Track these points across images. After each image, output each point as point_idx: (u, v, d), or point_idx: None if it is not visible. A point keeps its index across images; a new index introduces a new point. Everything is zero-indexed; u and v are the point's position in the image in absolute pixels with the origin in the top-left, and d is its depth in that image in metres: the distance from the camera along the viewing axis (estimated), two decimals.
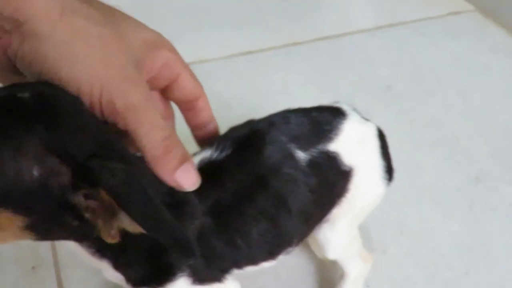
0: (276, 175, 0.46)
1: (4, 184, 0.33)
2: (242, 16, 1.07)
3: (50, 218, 0.35)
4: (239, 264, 0.47)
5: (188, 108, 0.47)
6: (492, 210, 0.70)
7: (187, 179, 0.38)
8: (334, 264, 0.58)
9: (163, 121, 0.38)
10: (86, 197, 0.34)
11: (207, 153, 0.46)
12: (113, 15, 0.40)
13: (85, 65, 0.35)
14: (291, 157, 0.46)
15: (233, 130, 0.49)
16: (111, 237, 0.36)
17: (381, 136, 0.53)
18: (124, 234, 0.37)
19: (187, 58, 0.95)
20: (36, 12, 0.34)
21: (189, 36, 0.99)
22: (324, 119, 0.50)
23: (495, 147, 0.78)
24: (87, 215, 0.35)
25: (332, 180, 0.49)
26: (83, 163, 0.33)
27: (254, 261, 0.48)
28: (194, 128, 0.49)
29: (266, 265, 0.49)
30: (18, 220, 0.34)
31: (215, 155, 0.46)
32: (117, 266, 0.42)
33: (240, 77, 0.91)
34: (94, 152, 0.34)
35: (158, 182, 0.38)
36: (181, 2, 1.10)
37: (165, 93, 0.46)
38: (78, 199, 0.34)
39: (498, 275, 0.63)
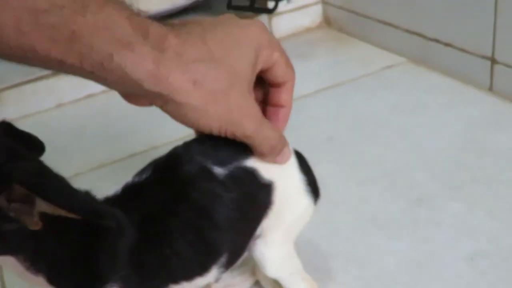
0: (194, 188, 0.49)
1: None
2: None
3: None
4: (173, 277, 0.48)
5: (273, 87, 0.53)
6: (436, 224, 0.72)
7: (286, 159, 0.52)
8: None
9: (270, 133, 0.50)
10: (9, 198, 0.39)
11: (129, 180, 0.50)
12: (222, 45, 0.47)
13: (215, 116, 0.46)
14: (209, 172, 0.50)
15: (153, 160, 0.53)
16: (35, 224, 0.40)
17: (299, 156, 0.57)
18: (57, 246, 0.43)
19: (140, 148, 0.99)
20: (176, 88, 0.44)
21: (142, 128, 1.05)
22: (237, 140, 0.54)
23: (434, 171, 0.81)
24: (12, 214, 0.39)
25: (253, 192, 0.52)
26: None
27: (187, 274, 0.49)
28: (270, 104, 0.53)
29: (201, 281, 0.50)
30: None
31: (136, 179, 0.50)
32: (51, 280, 0.45)
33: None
34: (7, 159, 0.39)
35: (79, 191, 0.43)
36: None
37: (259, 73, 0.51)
38: (1, 201, 0.39)
39: (447, 282, 0.63)
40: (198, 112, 0.46)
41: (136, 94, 0.48)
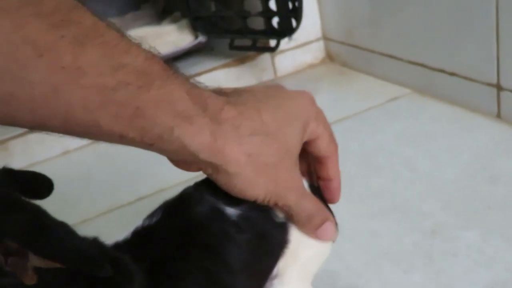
0: (206, 230, 0.48)
1: None
2: None
3: None
4: None
5: (318, 161, 0.53)
6: (452, 256, 0.70)
7: (326, 235, 0.51)
8: None
9: (308, 205, 0.50)
10: (4, 253, 0.37)
11: (138, 224, 0.49)
12: (275, 118, 0.47)
13: (263, 187, 0.47)
14: (220, 213, 0.49)
15: (164, 202, 0.52)
16: (30, 279, 0.38)
17: (315, 190, 0.55)
18: None
19: (148, 191, 0.99)
20: (230, 159, 0.44)
21: (148, 172, 1.05)
22: None
23: (446, 201, 0.80)
24: (7, 268, 0.38)
25: (268, 232, 0.51)
26: None
27: None
28: (320, 178, 0.54)
29: None
30: None
31: (146, 222, 0.49)
32: None
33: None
34: None
35: (82, 239, 0.42)
36: None
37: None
38: None
39: None
40: (247, 183, 0.46)
41: (189, 162, 0.47)
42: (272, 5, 1.20)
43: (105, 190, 1.04)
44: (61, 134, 0.43)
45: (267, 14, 1.20)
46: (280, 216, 0.51)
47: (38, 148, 1.18)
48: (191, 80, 0.45)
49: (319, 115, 0.50)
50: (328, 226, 0.51)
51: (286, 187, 0.48)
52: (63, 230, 0.40)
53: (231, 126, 0.44)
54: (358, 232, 0.76)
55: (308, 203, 0.50)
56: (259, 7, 1.22)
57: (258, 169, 0.46)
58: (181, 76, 0.44)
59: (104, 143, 1.28)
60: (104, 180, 1.08)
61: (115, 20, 1.61)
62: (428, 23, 1.07)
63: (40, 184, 0.49)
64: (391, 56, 1.20)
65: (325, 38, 1.40)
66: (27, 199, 0.44)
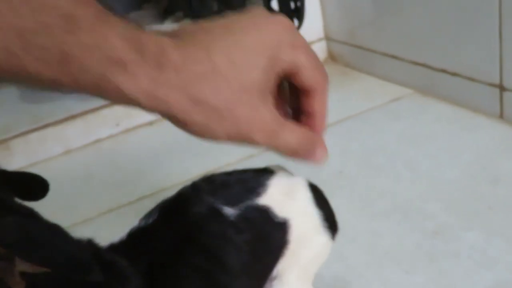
0: (203, 231, 0.47)
1: None
2: (197, 146, 1.12)
3: None
4: None
5: (304, 95, 0.48)
6: (454, 256, 0.69)
7: (317, 159, 0.48)
8: None
9: (287, 140, 0.45)
10: None
11: (135, 223, 0.48)
12: (229, 57, 0.43)
13: (220, 131, 0.43)
14: (218, 213, 0.48)
15: (161, 201, 0.51)
16: (17, 284, 0.38)
17: (314, 188, 0.55)
18: None
19: (148, 191, 0.99)
20: (175, 108, 0.41)
21: (150, 171, 1.05)
22: (249, 177, 0.52)
23: (448, 201, 0.79)
24: None
25: (267, 233, 0.50)
26: None
27: None
28: (302, 112, 0.49)
29: None
30: None
31: (142, 223, 0.48)
32: None
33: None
34: None
35: (75, 241, 0.41)
36: (141, 145, 1.18)
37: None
38: None
39: None
40: (203, 130, 0.43)
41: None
42: (274, 5, 1.19)
43: (106, 189, 1.03)
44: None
45: None
46: (280, 215, 0.51)
47: (39, 147, 1.18)
48: (132, 24, 0.41)
49: (296, 43, 0.45)
50: (319, 151, 0.48)
51: (249, 128, 0.44)
52: (52, 234, 0.39)
53: (174, 71, 0.41)
54: (359, 232, 0.76)
55: (288, 137, 0.45)
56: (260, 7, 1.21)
57: (209, 115, 0.43)
58: (118, 20, 0.40)
59: (105, 144, 1.27)
60: (105, 180, 1.08)
61: None
62: (430, 23, 1.07)
63: (35, 185, 0.48)
64: (393, 56, 1.20)
65: (327, 38, 1.39)
66: (19, 201, 0.43)
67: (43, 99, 1.32)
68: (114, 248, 0.47)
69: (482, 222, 0.74)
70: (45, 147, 1.18)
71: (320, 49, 1.40)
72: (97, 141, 1.22)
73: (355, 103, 1.16)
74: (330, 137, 1.03)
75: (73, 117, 1.20)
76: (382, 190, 0.85)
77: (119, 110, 1.23)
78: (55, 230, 0.40)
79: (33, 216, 0.42)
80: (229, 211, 0.48)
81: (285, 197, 0.52)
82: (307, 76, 0.45)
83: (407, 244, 0.73)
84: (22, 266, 0.37)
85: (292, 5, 1.14)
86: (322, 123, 0.49)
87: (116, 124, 1.23)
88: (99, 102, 1.24)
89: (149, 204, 0.99)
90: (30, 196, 0.47)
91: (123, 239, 0.48)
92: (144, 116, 1.25)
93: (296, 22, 1.15)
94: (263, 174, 0.53)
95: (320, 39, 1.40)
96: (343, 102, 1.19)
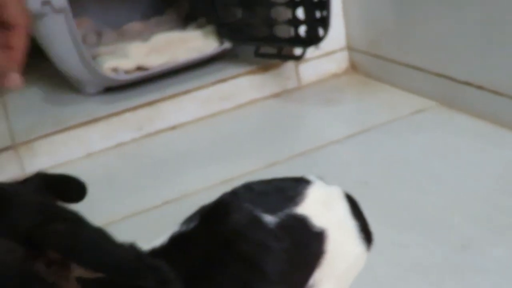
0: (243, 239, 0.48)
1: None
2: (220, 151, 1.13)
3: None
4: None
5: (5, 27, 0.55)
6: (481, 270, 0.69)
7: (11, 82, 0.54)
8: None
9: None
10: (46, 263, 0.38)
11: (176, 228, 0.49)
12: None
13: None
14: (258, 221, 0.49)
15: (200, 207, 0.52)
16: None
17: (350, 199, 0.56)
18: None
19: (172, 195, 0.99)
20: None
21: (173, 176, 1.05)
22: (287, 186, 0.53)
23: (474, 215, 0.79)
24: (50, 278, 0.38)
25: (305, 242, 0.51)
26: (29, 234, 0.38)
27: None
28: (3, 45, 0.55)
29: None
30: None
31: (183, 228, 0.49)
32: None
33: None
34: (39, 222, 0.38)
35: (118, 245, 0.42)
36: (163, 149, 1.19)
37: None
38: (38, 267, 0.38)
39: None
40: None
41: None
42: (300, 14, 1.20)
43: (129, 193, 1.04)
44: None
45: (294, 22, 1.20)
46: (317, 225, 0.51)
47: (62, 149, 1.19)
48: None
49: None
50: (11, 78, 0.55)
51: None
52: (103, 239, 0.40)
53: None
54: (385, 244, 0.76)
55: None
56: (285, 15, 1.22)
57: None
58: None
59: (128, 147, 1.27)
60: (129, 183, 1.08)
61: (139, 25, 1.62)
62: (455, 34, 1.07)
63: (74, 188, 0.49)
64: (416, 68, 1.20)
65: (350, 48, 1.40)
66: (64, 205, 0.44)
67: (66, 101, 1.33)
68: (155, 252, 0.48)
69: (510, 237, 0.74)
70: (68, 149, 1.19)
71: (342, 59, 1.40)
72: (120, 144, 1.22)
73: (377, 114, 1.16)
74: (353, 147, 1.05)
75: (96, 120, 1.21)
76: (407, 202, 0.85)
77: (142, 114, 1.24)
78: (103, 235, 0.41)
79: (80, 220, 0.42)
80: (269, 219, 0.49)
81: (323, 207, 0.52)
82: (11, 13, 0.52)
83: (434, 257, 0.73)
84: (77, 271, 0.38)
85: (318, 14, 1.15)
86: (19, 55, 0.55)
87: (138, 128, 1.24)
88: (122, 105, 1.25)
89: (173, 209, 1.00)
90: (69, 198, 0.48)
91: (164, 243, 0.49)
92: (166, 121, 1.26)
93: (321, 31, 1.15)
94: (301, 183, 0.53)
95: (342, 49, 1.40)
96: (365, 112, 1.19)
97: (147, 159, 1.17)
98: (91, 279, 0.39)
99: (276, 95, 1.34)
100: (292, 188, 0.52)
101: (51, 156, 1.18)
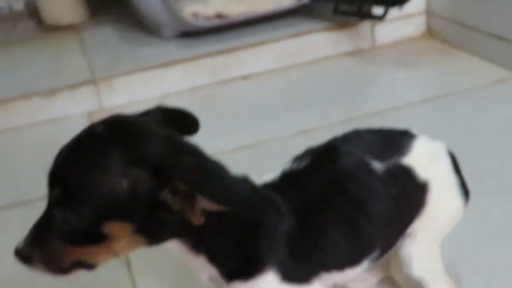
0: (353, 181, 0.50)
1: (104, 201, 0.40)
2: (294, 103, 1.14)
3: (149, 218, 0.42)
4: (325, 266, 0.49)
5: None
6: None
7: None
8: None
9: None
10: (172, 192, 0.41)
11: (287, 166, 0.51)
12: None
13: None
14: (367, 166, 0.50)
15: (310, 148, 0.53)
16: (198, 219, 0.41)
17: (451, 155, 0.56)
18: (217, 229, 0.44)
19: (247, 141, 1.00)
20: None
21: (247, 123, 1.07)
22: (394, 137, 0.54)
23: None
24: (175, 206, 0.41)
25: (409, 191, 0.52)
26: (158, 165, 0.40)
27: (339, 264, 0.50)
28: None
29: (351, 272, 0.51)
30: (127, 227, 0.42)
31: (294, 166, 0.51)
32: (212, 259, 0.46)
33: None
34: (166, 153, 0.41)
35: (234, 178, 0.44)
36: (236, 97, 1.20)
37: None
38: (165, 195, 0.41)
39: None
40: None
41: None
42: None
43: (204, 136, 1.06)
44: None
45: None
46: (421, 177, 0.52)
47: (139, 88, 1.22)
48: None
49: None
50: None
51: None
52: (225, 173, 0.42)
53: None
54: (468, 207, 0.76)
55: None
56: None
57: None
58: None
59: (202, 91, 1.29)
60: (203, 126, 1.10)
61: None
62: None
63: (191, 122, 0.51)
64: (498, 37, 1.17)
65: (428, 12, 1.37)
66: (185, 139, 0.46)
67: (143, 42, 1.36)
68: (267, 187, 0.50)
69: None
70: (145, 88, 1.22)
71: (419, 23, 1.38)
72: (194, 88, 1.25)
73: (455, 81, 1.15)
74: (431, 111, 1.05)
75: (173, 62, 1.23)
76: (488, 169, 0.85)
77: (217, 61, 1.25)
78: (223, 169, 0.43)
79: (202, 154, 0.45)
80: (377, 165, 0.50)
81: (428, 160, 0.53)
82: None
83: None
84: (202, 203, 0.41)
85: None
86: None
87: (213, 74, 1.25)
88: (199, 51, 1.27)
89: (249, 154, 1.01)
90: (185, 131, 0.50)
91: (275, 179, 0.51)
92: (240, 69, 1.27)
93: None
94: (407, 136, 0.54)
95: (420, 13, 1.38)
96: (442, 78, 1.18)
97: (221, 104, 1.19)
98: (214, 212, 0.41)
99: (350, 54, 1.33)
100: (399, 139, 0.53)
101: (128, 93, 1.21)
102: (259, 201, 0.41)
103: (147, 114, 0.48)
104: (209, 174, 0.41)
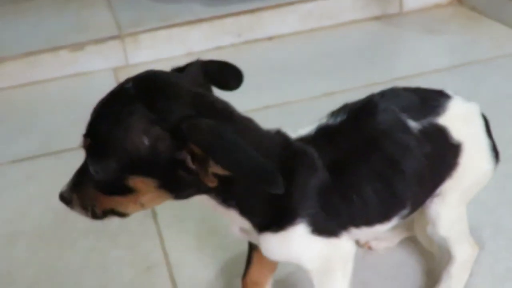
0: (389, 139, 0.50)
1: (127, 157, 0.42)
2: (319, 66, 1.14)
3: (169, 174, 0.43)
4: (355, 221, 0.50)
5: None
6: None
7: None
8: (436, 255, 0.60)
9: None
10: (190, 153, 0.42)
11: (323, 121, 0.52)
12: None
13: None
14: (403, 124, 0.51)
15: (346, 104, 0.54)
16: (210, 182, 0.43)
17: (484, 117, 0.57)
18: (246, 185, 0.45)
19: (272, 101, 1.01)
20: None
21: (272, 84, 1.08)
22: (430, 96, 0.54)
23: None
24: (192, 166, 0.42)
25: (442, 151, 0.52)
26: (177, 126, 0.41)
27: (369, 220, 0.51)
28: None
29: (380, 228, 0.52)
30: (150, 182, 0.43)
31: (330, 120, 0.51)
32: (243, 212, 0.47)
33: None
34: (188, 115, 0.42)
35: (264, 134, 0.45)
36: (261, 58, 1.20)
37: None
38: (184, 156, 0.42)
39: None
40: None
41: None
42: None
43: (229, 94, 1.07)
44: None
45: None
46: (455, 138, 0.53)
47: (165, 45, 1.22)
48: None
49: None
50: None
51: None
52: (242, 140, 0.42)
53: None
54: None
55: None
56: None
57: None
58: None
59: (226, 51, 1.29)
60: None
61: None
62: None
63: (233, 75, 0.52)
64: None
65: None
66: (216, 97, 0.46)
67: (168, 0, 1.35)
68: (302, 140, 0.50)
69: None
70: (170, 46, 1.22)
71: None
72: (219, 47, 1.25)
73: (482, 49, 1.14)
74: (458, 78, 1.04)
75: (199, 21, 1.23)
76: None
77: (243, 21, 1.25)
78: (246, 134, 0.44)
79: (231, 113, 0.46)
80: (413, 124, 0.51)
81: (462, 121, 0.53)
82: None
83: None
84: (214, 168, 0.42)
85: None
86: None
87: (238, 34, 1.25)
88: (224, 10, 1.26)
89: (275, 114, 1.02)
90: (227, 85, 0.50)
91: (311, 133, 0.51)
92: (265, 30, 1.27)
93: None
94: (443, 96, 0.54)
95: None
96: (470, 46, 1.17)
97: (245, 65, 1.18)
98: (226, 176, 0.42)
99: (377, 18, 1.32)
100: (435, 99, 0.54)
101: (154, 50, 1.21)
102: (269, 170, 0.42)
103: (184, 69, 0.48)
104: (221, 139, 0.41)
